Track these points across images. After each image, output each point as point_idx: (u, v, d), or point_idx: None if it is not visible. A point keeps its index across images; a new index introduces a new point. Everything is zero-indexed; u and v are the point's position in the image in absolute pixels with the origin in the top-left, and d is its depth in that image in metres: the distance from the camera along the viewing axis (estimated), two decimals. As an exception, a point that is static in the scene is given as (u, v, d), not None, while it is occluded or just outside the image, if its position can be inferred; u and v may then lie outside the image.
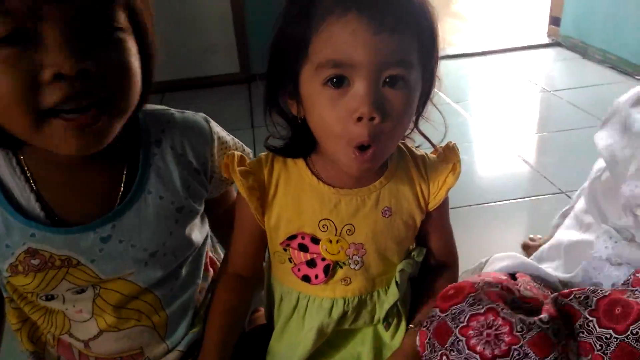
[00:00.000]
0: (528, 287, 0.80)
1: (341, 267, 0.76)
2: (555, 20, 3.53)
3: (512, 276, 0.90)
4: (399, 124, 0.66)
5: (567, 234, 0.99)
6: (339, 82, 0.62)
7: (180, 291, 0.82)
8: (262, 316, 0.94)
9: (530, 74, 3.03)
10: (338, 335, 0.82)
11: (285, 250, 0.77)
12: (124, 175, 0.73)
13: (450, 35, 3.85)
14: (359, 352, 0.83)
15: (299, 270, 0.77)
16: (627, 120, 0.90)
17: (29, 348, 0.82)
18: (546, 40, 3.54)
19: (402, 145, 0.80)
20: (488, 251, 1.50)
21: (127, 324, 0.78)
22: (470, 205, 1.76)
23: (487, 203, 1.77)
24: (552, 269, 0.96)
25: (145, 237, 0.73)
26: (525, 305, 0.71)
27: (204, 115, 0.82)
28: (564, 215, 1.21)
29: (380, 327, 0.81)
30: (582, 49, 3.23)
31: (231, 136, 0.86)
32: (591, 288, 0.70)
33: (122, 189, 0.72)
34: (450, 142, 0.80)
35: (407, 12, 0.62)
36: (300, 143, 0.74)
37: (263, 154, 0.79)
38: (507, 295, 0.68)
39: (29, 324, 0.81)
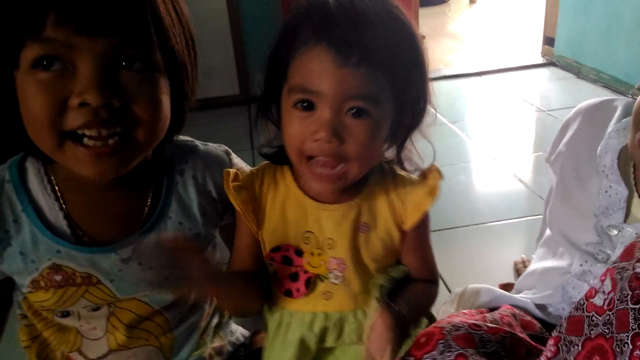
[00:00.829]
0: (498, 317, 0.82)
1: (322, 281, 0.78)
2: (549, 41, 3.59)
3: (494, 308, 0.92)
4: (363, 151, 0.69)
5: (542, 262, 1.00)
6: (306, 105, 0.67)
7: (188, 314, 0.85)
8: (263, 339, 0.95)
9: (526, 93, 3.07)
10: (329, 354, 0.83)
11: (270, 264, 0.79)
12: (148, 201, 0.76)
13: (447, 55, 3.91)
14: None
15: (282, 285, 0.79)
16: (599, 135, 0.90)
17: None
18: (540, 60, 3.60)
19: (385, 164, 0.82)
20: (484, 271, 1.53)
21: (136, 343, 0.80)
22: (467, 226, 1.78)
23: (484, 223, 1.79)
24: (531, 294, 0.97)
25: (162, 261, 0.76)
26: (493, 337, 0.73)
27: (226, 148, 0.87)
28: (538, 241, 1.21)
29: None
30: (576, 69, 3.28)
31: (249, 167, 0.89)
32: (565, 348, 0.71)
33: (146, 213, 0.76)
34: (434, 165, 0.81)
35: (376, 49, 0.64)
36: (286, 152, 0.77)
37: (254, 167, 0.82)
38: (474, 335, 0.71)
39: (39, 342, 0.83)
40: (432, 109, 0.76)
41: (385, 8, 0.68)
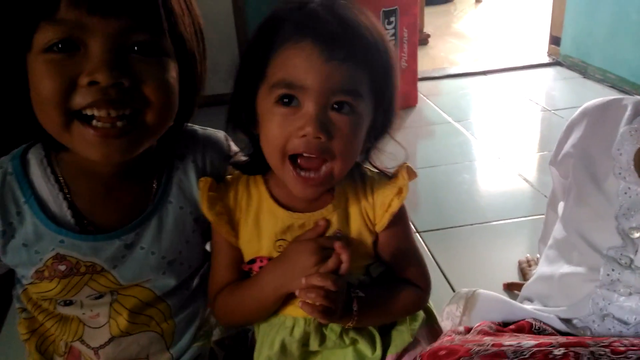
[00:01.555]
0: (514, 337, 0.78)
1: None
2: (555, 40, 3.58)
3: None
4: (348, 145, 0.69)
5: (555, 266, 0.94)
6: (289, 101, 0.67)
7: (189, 302, 0.85)
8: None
9: (531, 93, 3.06)
10: (316, 356, 0.82)
11: (249, 274, 0.79)
12: (153, 188, 0.77)
13: (452, 54, 3.90)
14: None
15: None
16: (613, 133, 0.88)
17: (36, 358, 0.84)
18: (546, 60, 3.59)
19: (354, 166, 0.79)
20: (488, 271, 1.53)
21: (138, 329, 0.81)
22: (471, 225, 1.77)
23: (488, 222, 1.79)
24: (552, 307, 0.91)
25: (164, 245, 0.77)
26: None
27: (224, 133, 0.87)
28: (543, 241, 1.17)
29: (361, 345, 0.79)
30: (582, 68, 3.27)
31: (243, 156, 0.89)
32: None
33: (150, 200, 0.76)
34: (405, 163, 0.79)
35: (360, 47, 0.66)
36: (258, 160, 0.75)
37: (229, 176, 0.81)
38: (506, 351, 0.68)
39: (38, 334, 0.83)
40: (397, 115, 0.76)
41: (363, 13, 0.70)
